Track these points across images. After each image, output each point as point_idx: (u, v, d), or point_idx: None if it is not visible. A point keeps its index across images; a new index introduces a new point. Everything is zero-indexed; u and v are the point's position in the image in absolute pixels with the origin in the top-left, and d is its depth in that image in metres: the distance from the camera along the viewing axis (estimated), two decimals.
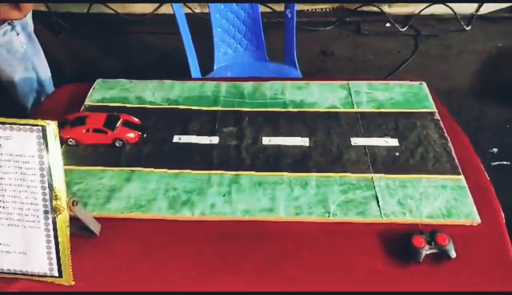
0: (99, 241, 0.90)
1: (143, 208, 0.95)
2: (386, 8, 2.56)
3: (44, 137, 0.77)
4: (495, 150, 1.93)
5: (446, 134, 1.11)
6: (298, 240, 0.90)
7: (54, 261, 0.82)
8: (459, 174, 1.01)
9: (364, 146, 1.08)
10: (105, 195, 0.98)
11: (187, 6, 2.42)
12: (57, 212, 0.78)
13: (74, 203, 0.81)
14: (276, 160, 1.05)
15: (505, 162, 1.88)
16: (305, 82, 1.30)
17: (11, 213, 0.81)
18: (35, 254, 0.82)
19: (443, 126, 1.13)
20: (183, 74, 1.68)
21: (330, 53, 2.46)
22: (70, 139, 1.09)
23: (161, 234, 0.92)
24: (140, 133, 1.11)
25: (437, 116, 1.17)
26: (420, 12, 2.55)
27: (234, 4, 1.70)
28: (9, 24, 1.42)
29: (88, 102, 1.23)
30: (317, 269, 0.85)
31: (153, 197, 0.97)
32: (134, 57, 2.48)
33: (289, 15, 1.69)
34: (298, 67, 1.75)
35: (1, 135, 0.77)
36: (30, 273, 0.83)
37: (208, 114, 1.19)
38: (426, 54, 2.45)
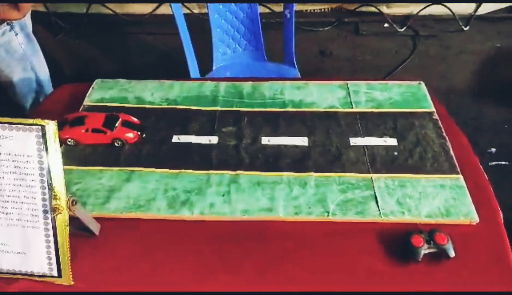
0: (99, 241, 0.90)
1: (142, 208, 0.95)
2: (384, 8, 2.57)
3: (44, 136, 0.77)
4: (493, 150, 1.93)
5: (444, 134, 1.11)
6: (298, 240, 0.90)
7: (54, 261, 0.82)
8: (457, 173, 1.01)
9: (363, 146, 1.09)
10: (104, 195, 0.98)
11: (186, 7, 2.42)
12: (57, 212, 0.78)
13: (74, 203, 0.81)
14: (275, 160, 1.06)
15: (503, 162, 1.89)
16: (304, 82, 1.30)
17: (10, 213, 0.81)
18: (35, 254, 0.82)
19: (441, 126, 1.14)
20: (182, 74, 1.68)
21: (329, 54, 2.47)
22: (69, 139, 1.09)
23: (161, 234, 0.92)
24: (139, 133, 1.11)
25: (436, 116, 1.17)
26: (418, 12, 2.56)
27: (233, 4, 1.70)
28: (8, 24, 1.42)
29: (87, 102, 1.23)
30: (316, 269, 0.86)
31: (153, 197, 0.98)
32: (133, 57, 2.48)
33: (288, 16, 1.70)
34: (297, 67, 1.75)
35: (1, 134, 0.77)
36: (29, 273, 0.83)
37: (207, 114, 1.19)
38: (425, 55, 2.46)
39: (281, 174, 1.02)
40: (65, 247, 0.81)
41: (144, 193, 0.98)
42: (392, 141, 1.10)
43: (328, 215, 0.93)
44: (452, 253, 0.84)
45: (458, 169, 1.02)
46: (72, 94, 1.28)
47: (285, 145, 1.09)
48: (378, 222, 0.93)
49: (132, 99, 1.25)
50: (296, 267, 0.86)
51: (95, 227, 0.90)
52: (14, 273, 0.83)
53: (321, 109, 1.20)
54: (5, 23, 1.41)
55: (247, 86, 1.28)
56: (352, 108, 1.20)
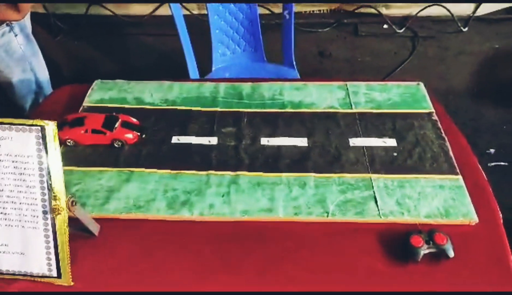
0: (98, 242, 0.90)
1: (142, 209, 0.95)
2: (383, 9, 2.57)
3: (43, 137, 0.77)
4: (492, 151, 1.94)
5: (443, 134, 1.12)
6: (297, 240, 0.91)
7: (53, 261, 0.82)
8: (456, 174, 1.02)
9: (363, 146, 1.09)
10: (104, 196, 0.98)
11: (186, 8, 2.42)
12: (56, 213, 0.78)
13: (73, 203, 0.81)
14: (275, 161, 1.06)
15: (502, 163, 1.89)
16: (303, 83, 1.30)
17: (10, 214, 0.81)
18: (34, 255, 0.82)
19: (440, 126, 1.14)
20: (181, 75, 1.68)
21: (328, 55, 2.47)
22: (69, 140, 1.09)
23: (160, 235, 0.92)
24: (138, 134, 1.11)
25: (435, 117, 1.17)
26: (417, 13, 2.56)
27: (232, 5, 1.70)
28: (7, 25, 1.42)
29: (86, 103, 1.23)
30: (316, 269, 0.86)
31: (152, 198, 0.98)
32: (133, 59, 2.48)
33: (287, 17, 1.70)
34: (296, 68, 1.75)
35: (0, 135, 0.77)
36: (29, 274, 0.83)
37: (207, 114, 1.19)
38: (424, 56, 2.46)
39: (281, 175, 1.02)
40: (64, 248, 0.81)
41: (144, 194, 0.98)
42: (391, 142, 1.10)
43: (327, 216, 0.93)
44: (451, 253, 0.85)
45: (457, 170, 1.03)
46: (72, 95, 1.28)
47: (285, 146, 1.09)
48: (377, 222, 0.93)
49: (131, 100, 1.25)
50: (296, 267, 0.86)
51: (94, 228, 0.90)
52: (14, 274, 0.83)
53: (320, 110, 1.20)
54: (5, 24, 1.41)
55: (246, 87, 1.28)
56: (352, 108, 1.20)
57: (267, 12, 2.51)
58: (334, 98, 1.24)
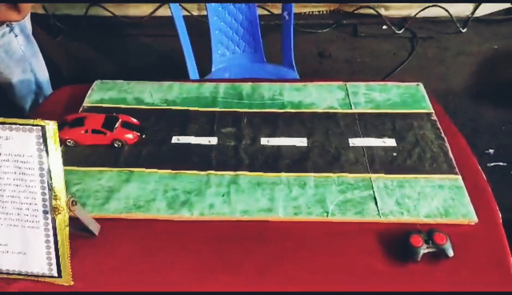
0: (98, 242, 0.90)
1: (142, 209, 0.96)
2: (382, 10, 2.58)
3: (44, 137, 0.77)
4: (491, 151, 1.94)
5: (443, 135, 1.12)
6: (297, 240, 0.91)
7: (54, 261, 0.82)
8: (456, 174, 1.02)
9: (362, 146, 1.09)
10: (104, 196, 0.98)
11: (185, 9, 2.42)
12: (57, 212, 0.78)
13: (74, 203, 0.81)
14: (275, 161, 1.06)
15: (501, 163, 1.90)
16: (303, 83, 1.30)
17: (10, 213, 0.81)
18: (34, 254, 0.82)
19: (440, 127, 1.14)
20: (181, 76, 1.68)
21: (328, 55, 2.47)
22: (69, 140, 1.09)
23: (160, 235, 0.92)
24: (138, 134, 1.11)
25: (434, 117, 1.17)
26: (416, 14, 2.57)
27: (232, 6, 1.71)
28: (7, 26, 1.42)
29: (86, 103, 1.23)
30: (316, 269, 0.86)
31: (152, 198, 0.98)
32: (132, 59, 2.48)
33: (287, 17, 1.70)
34: (295, 69, 1.75)
35: (1, 135, 0.77)
36: (29, 273, 0.83)
37: (207, 115, 1.19)
38: (423, 56, 2.47)
39: (281, 175, 1.02)
40: (65, 247, 0.81)
41: (144, 194, 0.98)
42: (391, 142, 1.10)
43: (327, 215, 0.94)
44: (451, 253, 0.85)
45: (457, 170, 1.03)
46: (72, 95, 1.28)
47: (285, 146, 1.09)
48: (377, 222, 0.93)
49: (131, 100, 1.25)
50: (296, 267, 0.86)
51: (95, 228, 0.90)
52: (14, 273, 0.83)
53: (320, 110, 1.20)
54: (5, 24, 1.41)
55: (246, 87, 1.28)
56: (351, 109, 1.21)
57: (267, 13, 2.51)
58: (333, 98, 1.24)
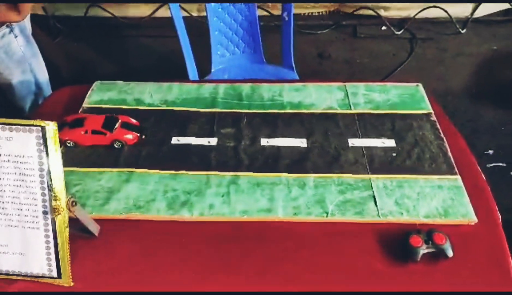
0: (98, 242, 0.90)
1: (142, 209, 0.96)
2: (382, 11, 2.59)
3: (44, 138, 0.77)
4: (490, 151, 1.94)
5: (442, 135, 1.12)
6: (297, 240, 0.91)
7: (53, 262, 0.82)
8: (455, 174, 1.02)
9: (362, 147, 1.09)
10: (103, 196, 0.98)
11: (185, 10, 2.43)
12: (56, 213, 0.78)
13: (73, 203, 0.81)
14: (274, 161, 1.06)
15: (500, 164, 1.90)
16: (302, 84, 1.31)
17: (10, 214, 0.81)
18: (34, 255, 0.82)
19: (439, 127, 1.14)
20: (180, 76, 1.69)
21: (327, 56, 2.48)
22: (69, 141, 1.10)
23: (160, 235, 0.92)
24: (138, 135, 1.12)
25: (433, 117, 1.18)
26: (415, 15, 2.58)
27: (232, 7, 1.71)
28: (7, 26, 1.42)
29: (86, 104, 1.24)
30: (315, 269, 0.86)
31: (152, 198, 0.98)
32: (132, 60, 2.48)
33: (286, 18, 1.71)
34: (295, 70, 1.76)
35: (1, 135, 0.77)
36: (29, 274, 0.83)
37: (206, 115, 1.19)
38: (422, 57, 2.47)
39: (280, 175, 1.02)
40: (64, 248, 0.81)
41: (144, 194, 0.99)
42: (390, 142, 1.10)
43: (327, 216, 0.94)
44: (450, 253, 0.85)
45: (456, 170, 1.03)
46: (71, 96, 1.29)
47: (284, 146, 1.10)
48: (376, 222, 0.93)
49: (131, 101, 1.25)
50: (296, 267, 0.86)
51: (94, 228, 0.90)
52: (14, 274, 0.83)
53: (319, 111, 1.21)
54: (5, 25, 1.41)
55: (246, 88, 1.29)
56: (351, 109, 1.21)
57: (266, 14, 2.52)
58: (333, 99, 1.24)
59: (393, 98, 1.24)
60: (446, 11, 2.55)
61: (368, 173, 1.02)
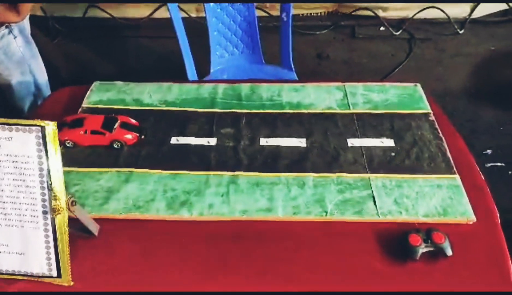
0: (98, 242, 0.90)
1: (141, 209, 0.96)
2: (380, 12, 2.59)
3: (43, 138, 0.77)
4: (489, 151, 1.95)
5: (441, 134, 1.13)
6: (296, 240, 0.91)
7: (53, 261, 0.82)
8: (454, 173, 1.02)
9: (361, 146, 1.10)
10: (103, 196, 0.98)
11: (184, 11, 2.43)
12: (56, 212, 0.78)
13: (73, 203, 0.81)
14: (274, 161, 1.06)
15: (499, 164, 1.90)
16: (301, 84, 1.31)
17: (9, 214, 0.81)
18: (34, 255, 0.82)
19: (438, 127, 1.15)
20: (179, 77, 1.68)
21: (326, 57, 2.48)
22: (68, 141, 1.10)
23: (160, 235, 0.92)
24: (138, 135, 1.12)
25: (432, 117, 1.18)
26: (414, 16, 2.58)
27: (231, 7, 1.71)
28: (6, 27, 1.42)
29: (85, 104, 1.24)
30: (315, 268, 0.86)
31: (152, 198, 0.98)
32: (131, 61, 2.48)
33: (285, 19, 1.71)
34: (294, 70, 1.76)
35: (0, 135, 0.77)
36: (29, 274, 0.83)
37: (206, 115, 1.20)
38: (420, 57, 2.48)
39: (280, 175, 1.02)
40: (64, 248, 0.81)
41: (143, 194, 0.99)
42: (389, 142, 1.11)
43: (326, 215, 0.94)
44: (449, 252, 0.85)
45: (455, 169, 1.03)
46: (71, 97, 1.29)
47: (283, 146, 1.10)
48: (376, 221, 0.93)
49: (130, 101, 1.25)
50: (295, 267, 0.86)
51: (94, 228, 0.90)
52: (14, 274, 0.83)
53: (318, 111, 1.21)
54: (4, 26, 1.41)
55: (245, 88, 1.29)
56: (350, 109, 1.21)
57: (265, 14, 2.52)
58: (332, 99, 1.25)
59: (392, 98, 1.25)
60: (444, 12, 2.55)
61: (367, 173, 1.03)
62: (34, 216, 0.80)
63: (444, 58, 2.47)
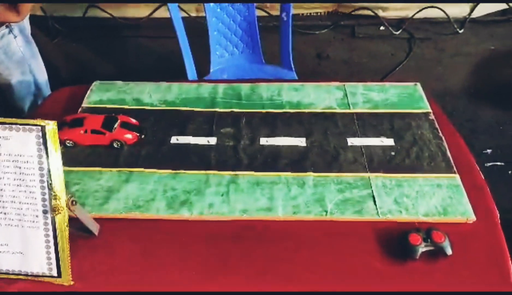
0: (98, 241, 0.90)
1: (141, 209, 0.96)
2: (380, 11, 2.59)
3: (44, 137, 0.77)
4: (489, 151, 1.95)
5: (441, 134, 1.13)
6: (296, 239, 0.91)
7: (53, 261, 0.82)
8: (454, 173, 1.02)
9: (361, 146, 1.10)
10: (103, 196, 0.98)
11: (184, 10, 2.43)
12: (56, 212, 0.78)
13: (73, 203, 0.81)
14: (274, 161, 1.06)
15: (498, 163, 1.90)
16: (301, 83, 1.31)
17: (10, 213, 0.81)
18: (34, 254, 0.82)
19: (437, 126, 1.15)
20: (179, 77, 1.68)
21: (325, 56, 2.48)
22: (68, 141, 1.10)
23: (160, 234, 0.92)
24: (138, 134, 1.12)
25: (432, 116, 1.18)
26: (413, 15, 2.58)
27: (230, 7, 1.71)
28: (6, 27, 1.42)
29: (85, 104, 1.24)
30: (314, 268, 0.86)
31: (152, 198, 0.98)
32: (131, 60, 2.48)
33: (285, 19, 1.71)
34: (294, 70, 1.76)
35: (1, 135, 0.77)
36: (29, 273, 0.83)
37: (206, 115, 1.20)
38: (420, 57, 2.48)
39: (280, 174, 1.03)
40: (64, 247, 0.81)
41: (143, 194, 0.99)
42: (389, 141, 1.11)
43: (326, 215, 0.94)
44: (449, 251, 0.85)
45: (455, 169, 1.03)
46: (71, 96, 1.29)
47: (283, 146, 1.10)
48: (376, 221, 0.93)
49: (130, 100, 1.25)
50: (295, 266, 0.86)
51: (94, 227, 0.90)
52: (14, 273, 0.83)
53: (318, 110, 1.21)
54: (4, 26, 1.41)
55: (245, 87, 1.29)
56: (350, 109, 1.21)
57: (265, 14, 2.52)
58: (332, 98, 1.25)
59: (392, 97, 1.25)
60: (444, 11, 2.55)
61: (367, 172, 1.03)
62: (34, 216, 0.80)
63: (444, 57, 2.47)
